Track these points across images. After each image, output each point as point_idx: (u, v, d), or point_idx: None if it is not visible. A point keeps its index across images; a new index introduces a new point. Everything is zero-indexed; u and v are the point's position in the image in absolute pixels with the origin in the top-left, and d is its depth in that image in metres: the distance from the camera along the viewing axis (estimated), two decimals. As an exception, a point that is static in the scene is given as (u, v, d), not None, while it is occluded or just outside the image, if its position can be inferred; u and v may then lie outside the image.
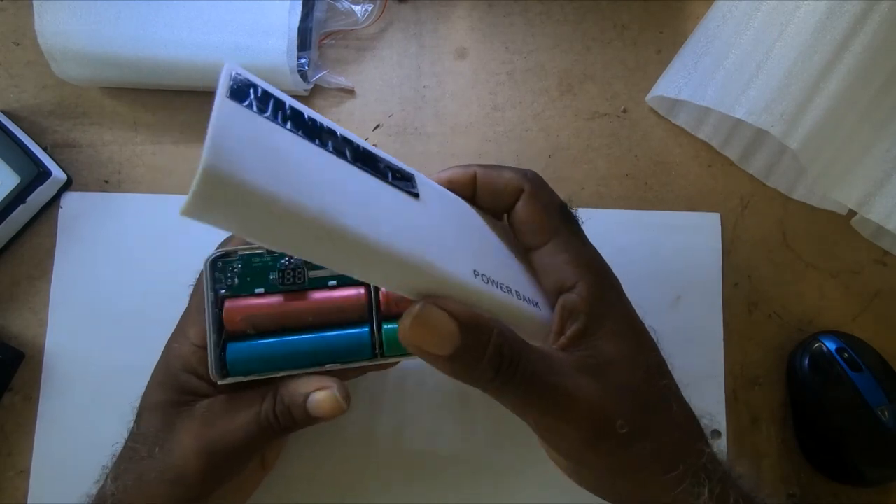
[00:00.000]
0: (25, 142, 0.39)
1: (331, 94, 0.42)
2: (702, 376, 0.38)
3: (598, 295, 0.25)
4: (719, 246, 0.40)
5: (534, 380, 0.23)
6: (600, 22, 0.43)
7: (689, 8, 0.43)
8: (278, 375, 0.28)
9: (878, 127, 0.37)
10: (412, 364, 0.31)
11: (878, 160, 0.37)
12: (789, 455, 0.38)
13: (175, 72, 0.38)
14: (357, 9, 0.41)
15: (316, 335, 0.28)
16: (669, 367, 0.27)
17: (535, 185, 0.27)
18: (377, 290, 0.29)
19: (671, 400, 0.26)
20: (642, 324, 0.27)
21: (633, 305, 0.27)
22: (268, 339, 0.28)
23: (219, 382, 0.27)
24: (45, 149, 0.40)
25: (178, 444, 0.27)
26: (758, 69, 0.36)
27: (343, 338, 0.28)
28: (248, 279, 0.28)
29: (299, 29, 0.38)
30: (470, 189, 0.28)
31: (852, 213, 0.40)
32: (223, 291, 0.28)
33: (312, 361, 0.28)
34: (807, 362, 0.37)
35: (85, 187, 0.40)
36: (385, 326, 0.28)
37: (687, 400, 0.27)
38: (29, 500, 0.36)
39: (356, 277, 0.21)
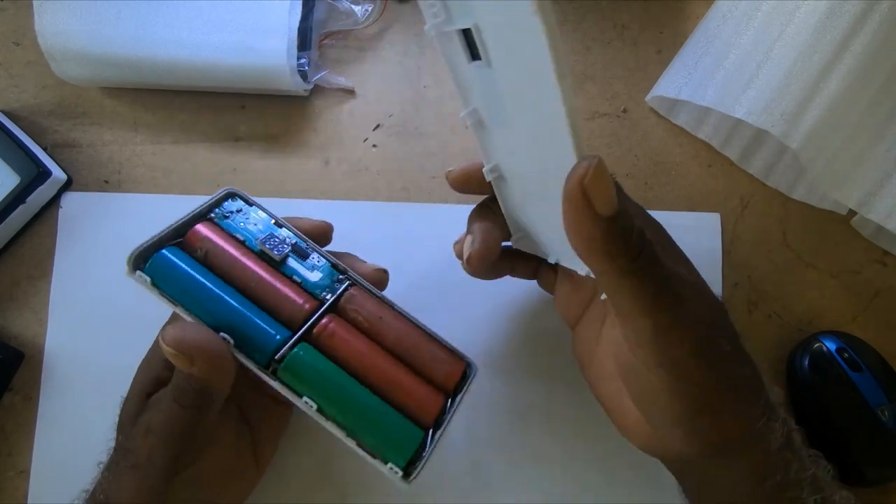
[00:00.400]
0: (25, 142, 0.39)
1: (331, 94, 0.42)
2: (702, 376, 0.38)
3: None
4: (719, 246, 0.40)
5: (666, 272, 0.23)
6: (600, 22, 0.43)
7: (689, 8, 0.43)
8: (175, 308, 0.26)
9: (878, 127, 0.37)
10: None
11: (878, 160, 0.37)
12: (789, 455, 0.38)
13: (175, 72, 0.38)
14: (357, 9, 0.41)
15: (237, 303, 0.27)
16: None
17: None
18: (322, 314, 0.28)
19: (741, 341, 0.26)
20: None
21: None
22: (202, 272, 0.27)
23: (126, 275, 0.26)
24: (45, 149, 0.40)
25: (138, 430, 0.27)
26: (758, 69, 0.36)
27: (255, 325, 0.27)
28: (242, 224, 0.29)
29: (299, 29, 0.38)
30: None
31: (852, 213, 0.40)
32: (215, 213, 0.29)
33: (213, 319, 0.27)
34: (807, 362, 0.37)
35: (85, 187, 0.40)
36: (299, 349, 0.27)
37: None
38: (29, 500, 0.36)
39: None
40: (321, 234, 0.32)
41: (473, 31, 0.21)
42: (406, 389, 0.27)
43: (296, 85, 0.39)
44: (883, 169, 0.37)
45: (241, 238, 0.29)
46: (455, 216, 0.40)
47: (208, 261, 0.28)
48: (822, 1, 0.34)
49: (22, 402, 0.37)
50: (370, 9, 0.41)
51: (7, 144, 0.38)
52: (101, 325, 0.38)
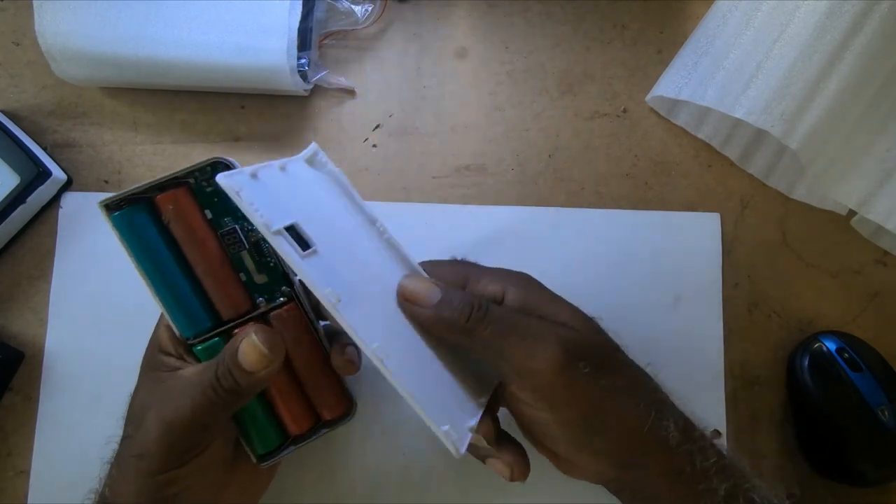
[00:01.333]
0: (25, 142, 0.39)
1: (331, 94, 0.42)
2: (702, 376, 0.38)
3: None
4: (719, 246, 0.40)
5: (503, 319, 0.28)
6: (600, 22, 0.43)
7: (689, 8, 0.43)
8: (130, 260, 0.28)
9: (878, 127, 0.37)
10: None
11: (878, 160, 0.37)
12: (789, 455, 0.38)
13: (175, 72, 0.38)
14: (357, 9, 0.41)
15: (177, 279, 0.28)
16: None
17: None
18: (249, 319, 0.30)
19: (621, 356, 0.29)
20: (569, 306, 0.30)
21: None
22: (161, 239, 0.28)
23: (99, 204, 0.28)
24: (45, 149, 0.40)
25: (145, 419, 0.27)
26: (758, 69, 0.36)
27: (189, 297, 0.28)
28: (216, 199, 0.29)
29: (299, 29, 0.38)
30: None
31: (852, 213, 0.40)
32: (195, 178, 0.29)
33: (160, 280, 0.28)
34: (807, 362, 0.37)
35: (85, 187, 0.40)
36: (218, 339, 0.29)
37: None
38: (29, 500, 0.36)
39: None
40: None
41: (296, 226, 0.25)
42: (287, 402, 0.30)
43: (296, 85, 0.39)
44: (883, 169, 0.37)
45: (210, 216, 0.29)
46: (455, 216, 0.40)
47: (170, 228, 0.28)
48: (822, 1, 0.34)
49: (22, 402, 0.37)
50: (370, 9, 0.41)
51: (7, 144, 0.38)
52: (101, 325, 0.38)
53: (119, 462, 0.28)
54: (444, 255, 0.34)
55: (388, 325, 0.28)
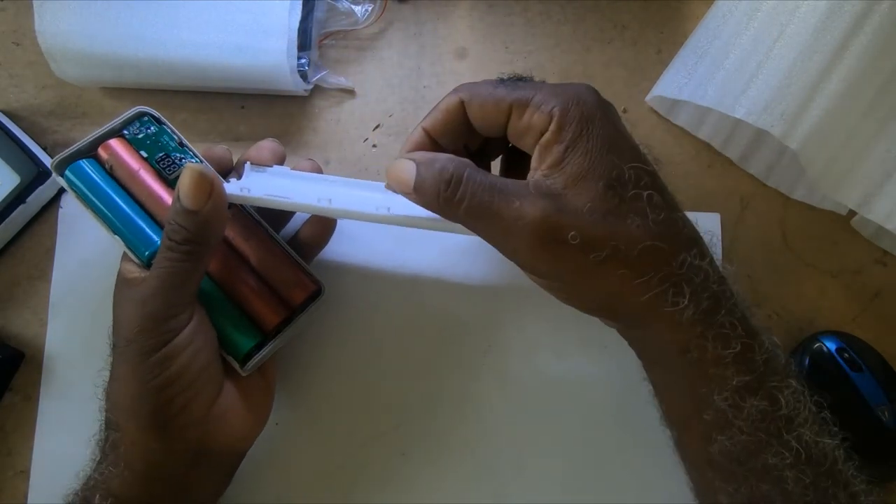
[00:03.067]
0: (25, 142, 0.39)
1: (331, 94, 0.42)
2: (702, 376, 0.38)
3: (569, 122, 0.26)
4: (719, 246, 0.40)
5: (476, 194, 0.26)
6: (600, 22, 0.43)
7: (689, 8, 0.43)
8: (85, 210, 0.31)
9: (879, 127, 0.37)
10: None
11: (878, 160, 0.37)
12: (789, 455, 0.38)
13: (175, 72, 0.38)
14: (357, 9, 0.41)
15: (129, 210, 0.31)
16: None
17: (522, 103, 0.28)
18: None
19: (643, 210, 0.26)
20: (628, 140, 0.28)
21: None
22: (106, 181, 0.32)
23: (54, 176, 0.32)
24: (45, 149, 0.40)
25: (122, 316, 0.29)
26: (758, 69, 0.36)
27: (140, 230, 0.31)
28: (148, 143, 0.33)
29: (299, 29, 0.38)
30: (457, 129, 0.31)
31: (852, 213, 0.40)
32: (129, 131, 0.33)
33: (113, 218, 0.31)
34: (807, 362, 0.37)
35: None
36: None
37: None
38: (29, 500, 0.36)
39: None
40: (216, 160, 0.34)
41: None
42: (255, 298, 0.32)
43: (296, 85, 0.39)
44: (883, 169, 0.37)
45: (145, 155, 0.33)
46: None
47: (114, 173, 0.32)
48: (822, 1, 0.34)
49: (22, 402, 0.37)
50: (370, 9, 0.41)
51: (7, 144, 0.38)
52: (101, 325, 0.38)
53: (112, 371, 0.29)
54: (444, 254, 0.35)
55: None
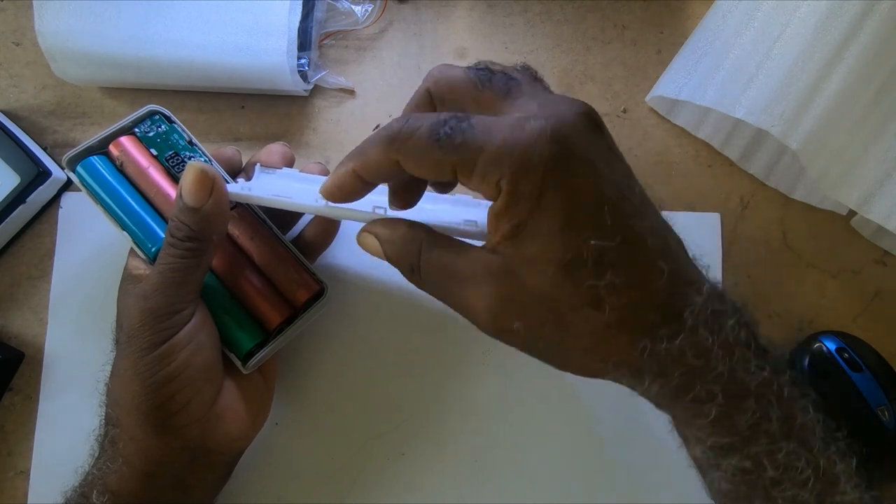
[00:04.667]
0: (25, 142, 0.39)
1: (331, 94, 0.42)
2: (702, 376, 0.38)
3: (518, 198, 0.22)
4: (719, 246, 0.40)
5: (431, 283, 0.26)
6: (600, 22, 0.43)
7: (689, 8, 0.43)
8: (95, 205, 0.32)
9: (879, 127, 0.37)
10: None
11: (878, 160, 0.37)
12: (789, 455, 0.38)
13: (175, 72, 0.38)
14: (357, 9, 0.41)
15: (137, 206, 0.32)
16: None
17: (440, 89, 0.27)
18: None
19: (599, 298, 0.23)
20: (598, 197, 0.23)
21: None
22: (116, 178, 0.32)
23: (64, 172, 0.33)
24: (45, 149, 0.40)
25: (125, 312, 0.29)
26: (758, 69, 0.36)
27: (148, 226, 0.32)
28: (158, 141, 0.33)
29: (299, 29, 0.38)
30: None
31: (852, 213, 0.40)
32: (139, 129, 0.33)
33: (122, 214, 0.32)
34: (807, 362, 0.37)
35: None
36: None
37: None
38: (29, 500, 0.36)
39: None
40: (226, 161, 0.35)
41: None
42: (259, 296, 0.33)
43: (296, 85, 0.39)
44: (883, 169, 0.37)
45: (155, 153, 0.33)
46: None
47: (124, 170, 0.33)
48: (822, 1, 0.34)
49: (22, 402, 0.37)
50: (370, 9, 0.41)
51: (7, 144, 0.38)
52: (101, 325, 0.38)
53: (113, 366, 0.29)
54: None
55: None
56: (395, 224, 0.27)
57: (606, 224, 0.23)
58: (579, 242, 0.22)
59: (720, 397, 0.23)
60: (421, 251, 0.26)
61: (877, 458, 0.35)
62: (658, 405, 0.25)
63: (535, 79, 0.27)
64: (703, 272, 0.26)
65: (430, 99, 0.28)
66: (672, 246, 0.25)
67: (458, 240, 0.27)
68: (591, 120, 0.24)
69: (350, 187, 0.26)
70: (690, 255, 0.26)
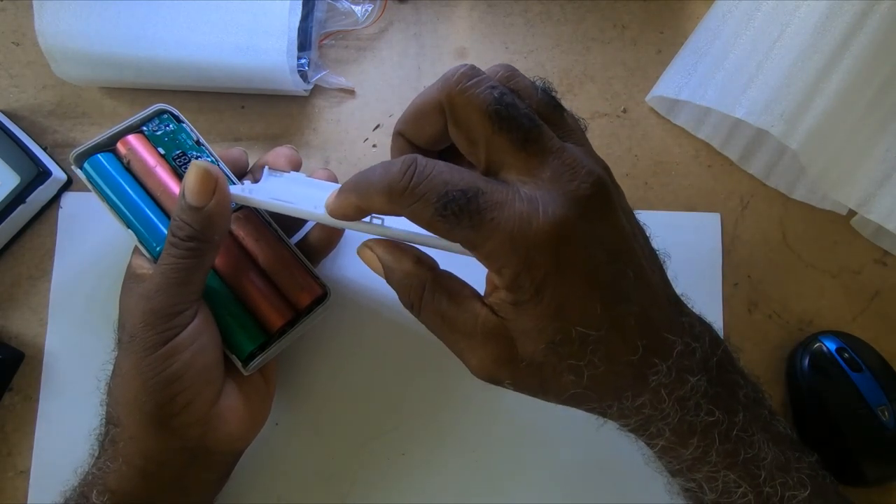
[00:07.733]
0: (25, 142, 0.39)
1: (331, 94, 0.42)
2: (702, 376, 0.38)
3: (518, 287, 0.24)
4: (719, 246, 0.40)
5: (431, 325, 0.27)
6: (600, 22, 0.43)
7: (689, 8, 0.43)
8: (101, 202, 0.32)
9: (879, 127, 0.37)
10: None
11: (878, 160, 0.37)
12: (789, 455, 0.38)
13: (175, 72, 0.38)
14: (357, 9, 0.41)
15: (143, 205, 0.32)
16: None
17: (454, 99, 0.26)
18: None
19: (579, 369, 0.25)
20: (590, 288, 0.24)
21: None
22: (123, 176, 0.32)
23: (71, 167, 0.32)
24: (45, 149, 0.40)
25: (127, 311, 0.30)
26: (758, 69, 0.36)
27: (152, 224, 0.32)
28: (166, 140, 0.34)
29: (299, 29, 0.38)
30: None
31: (852, 213, 0.40)
32: (147, 127, 0.34)
33: (127, 211, 0.32)
34: (807, 362, 0.37)
35: (85, 187, 0.40)
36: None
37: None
38: (29, 500, 0.36)
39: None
40: (232, 161, 0.35)
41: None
42: (262, 298, 0.33)
43: (296, 85, 0.39)
44: (883, 169, 0.37)
45: (162, 152, 0.33)
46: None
47: (131, 167, 0.33)
48: (822, 1, 0.34)
49: (22, 402, 0.37)
50: (370, 9, 0.41)
51: (7, 144, 0.38)
52: (101, 325, 0.38)
53: (115, 366, 0.29)
54: (443, 254, 0.35)
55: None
56: (401, 257, 0.28)
57: (596, 314, 0.24)
58: (568, 327, 0.24)
59: (668, 434, 0.26)
60: (423, 293, 0.27)
61: (877, 458, 0.35)
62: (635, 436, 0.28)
63: (555, 109, 0.27)
64: (686, 318, 0.28)
65: (441, 111, 0.27)
66: (654, 314, 0.26)
67: (459, 291, 0.27)
68: (601, 195, 0.25)
69: (352, 216, 0.27)
70: (679, 292, 0.29)
